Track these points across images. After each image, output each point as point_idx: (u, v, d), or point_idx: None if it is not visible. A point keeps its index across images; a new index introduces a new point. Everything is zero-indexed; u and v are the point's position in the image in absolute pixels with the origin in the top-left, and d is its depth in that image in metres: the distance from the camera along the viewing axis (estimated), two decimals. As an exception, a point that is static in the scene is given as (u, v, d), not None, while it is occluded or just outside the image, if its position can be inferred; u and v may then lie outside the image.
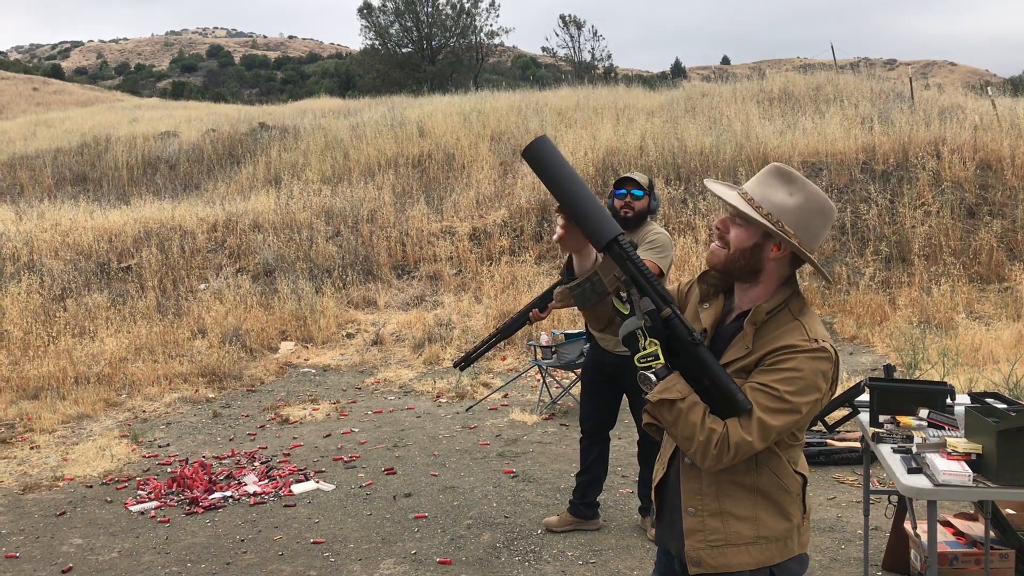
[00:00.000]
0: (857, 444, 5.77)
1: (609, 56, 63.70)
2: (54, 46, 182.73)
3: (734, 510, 1.97)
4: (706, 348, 1.97)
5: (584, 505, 4.82)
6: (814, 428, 4.53)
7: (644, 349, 1.95)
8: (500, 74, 62.87)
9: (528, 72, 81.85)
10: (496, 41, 56.47)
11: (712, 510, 1.99)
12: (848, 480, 5.53)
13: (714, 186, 2.08)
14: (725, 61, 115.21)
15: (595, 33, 63.68)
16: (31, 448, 6.95)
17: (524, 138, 15.84)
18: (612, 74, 58.09)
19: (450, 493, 5.51)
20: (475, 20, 53.96)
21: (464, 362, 2.50)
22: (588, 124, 15.60)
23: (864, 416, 3.69)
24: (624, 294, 2.01)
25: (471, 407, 7.44)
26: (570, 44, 64.10)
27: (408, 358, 9.16)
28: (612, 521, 4.96)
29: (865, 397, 3.71)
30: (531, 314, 2.78)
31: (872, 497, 4.75)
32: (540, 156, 2.04)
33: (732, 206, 1.97)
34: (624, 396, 4.73)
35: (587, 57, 63.44)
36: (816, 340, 1.91)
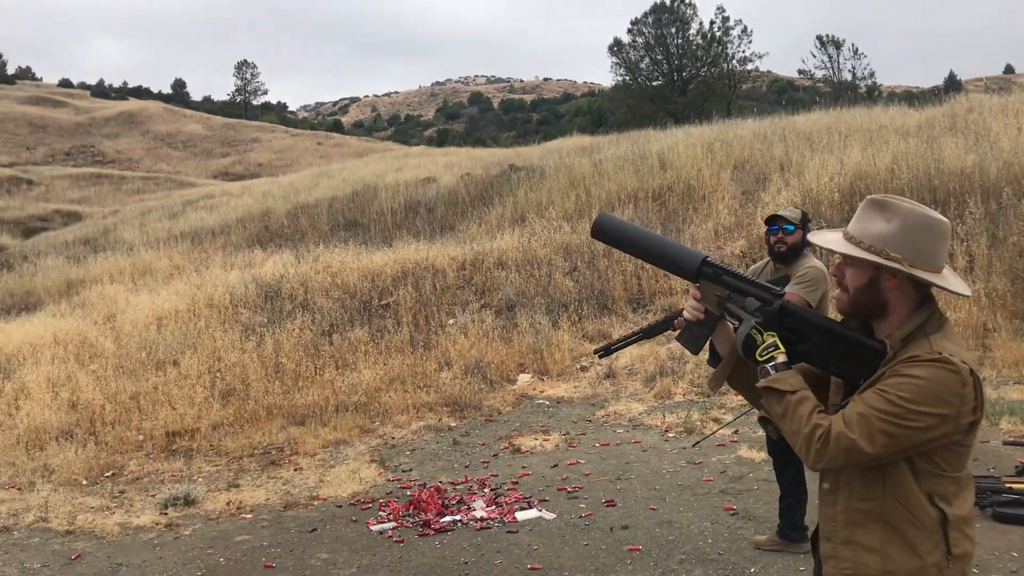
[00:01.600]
0: None
1: (872, 74, 60.59)
2: (335, 103, 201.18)
3: (863, 540, 1.94)
4: (831, 319, 2.04)
5: (790, 527, 4.84)
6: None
7: (763, 343, 1.99)
8: (755, 100, 61.44)
9: (784, 96, 79.36)
10: (749, 67, 55.50)
11: (843, 538, 1.98)
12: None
13: (816, 237, 2.12)
14: (1008, 70, 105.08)
15: (855, 51, 60.69)
16: (295, 470, 7.72)
17: (769, 165, 15.48)
18: (875, 93, 55.12)
19: (667, 527, 5.51)
20: (727, 48, 53.38)
21: (605, 352, 2.63)
22: (837, 148, 14.96)
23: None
24: (730, 309, 2.09)
25: (698, 442, 7.37)
26: (828, 65, 61.65)
27: (640, 391, 9.22)
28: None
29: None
30: (676, 322, 2.82)
31: None
32: (607, 230, 2.26)
33: (833, 250, 2.00)
34: None
35: (847, 76, 60.68)
36: (940, 352, 1.86)
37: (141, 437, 8.72)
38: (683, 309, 2.91)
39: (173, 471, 7.87)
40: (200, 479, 7.60)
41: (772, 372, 1.99)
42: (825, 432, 1.88)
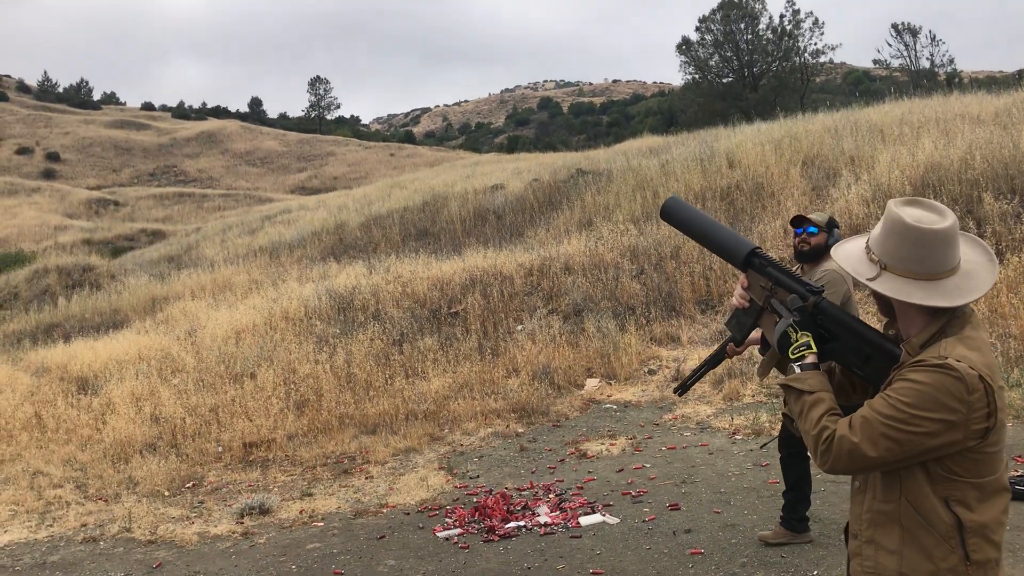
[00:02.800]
0: None
1: (951, 60, 58.67)
2: (407, 114, 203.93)
3: (883, 541, 1.95)
4: (860, 320, 2.07)
5: (796, 520, 5.05)
6: None
7: (796, 341, 2.05)
8: (830, 92, 60.16)
9: (860, 87, 77.47)
10: (822, 60, 54.32)
11: (867, 537, 2.00)
12: None
13: (839, 248, 2.13)
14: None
15: (933, 38, 59.02)
16: (366, 478, 7.88)
17: (839, 160, 15.18)
18: (956, 79, 53.46)
19: (730, 531, 5.48)
20: (798, 41, 52.38)
21: (683, 388, 2.71)
22: (909, 140, 14.58)
23: None
24: (772, 303, 2.15)
25: (766, 444, 7.27)
26: (905, 53, 59.96)
27: (708, 394, 9.15)
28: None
29: None
30: (728, 349, 2.84)
31: None
32: (673, 213, 2.38)
33: (832, 256, 2.06)
34: None
35: (925, 64, 58.94)
36: (945, 358, 1.84)
37: (220, 449, 9.02)
38: (732, 336, 2.95)
39: (250, 481, 8.12)
40: (275, 488, 7.82)
41: (797, 370, 2.04)
42: (831, 435, 1.90)
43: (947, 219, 1.95)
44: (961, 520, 1.87)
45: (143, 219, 47.06)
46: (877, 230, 2.01)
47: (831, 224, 4.83)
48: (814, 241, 4.78)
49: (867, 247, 2.02)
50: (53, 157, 70.22)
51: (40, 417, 10.20)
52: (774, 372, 2.30)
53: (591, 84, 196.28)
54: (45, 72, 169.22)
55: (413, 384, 10.38)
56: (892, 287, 1.94)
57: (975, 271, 1.98)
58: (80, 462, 8.89)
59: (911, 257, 1.94)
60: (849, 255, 2.05)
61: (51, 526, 7.20)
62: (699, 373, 2.79)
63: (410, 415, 9.48)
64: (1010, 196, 10.87)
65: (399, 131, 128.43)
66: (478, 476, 7.50)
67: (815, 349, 2.04)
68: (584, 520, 5.99)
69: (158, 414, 9.94)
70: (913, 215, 1.95)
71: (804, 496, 5.09)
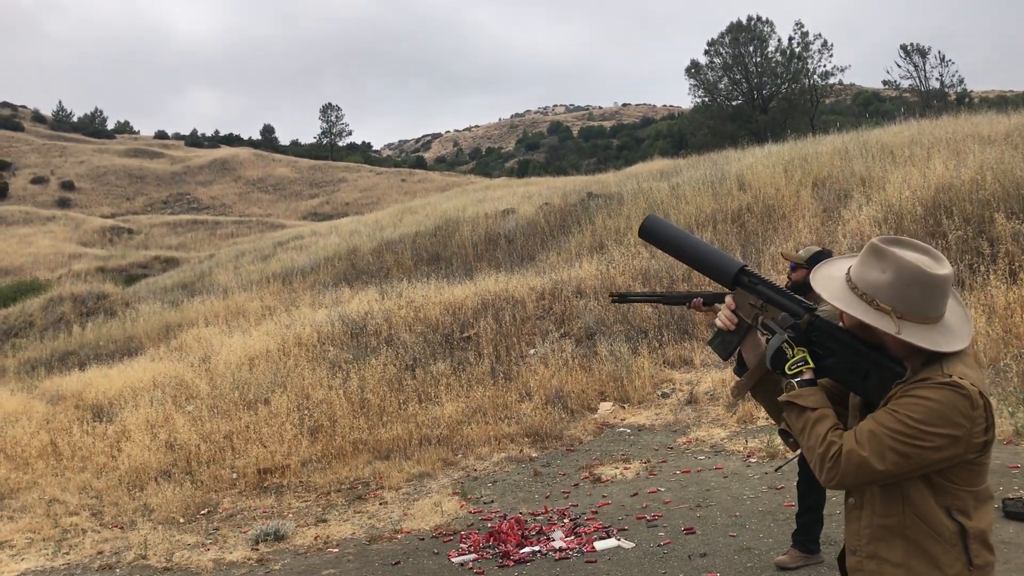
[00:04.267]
0: None
1: (961, 80, 58.63)
2: (417, 139, 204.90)
3: (886, 555, 1.97)
4: (857, 336, 2.04)
5: (809, 541, 5.13)
6: None
7: (793, 357, 2.05)
8: (840, 113, 60.18)
9: (871, 108, 77.55)
10: (832, 81, 54.44)
11: (868, 552, 2.01)
12: None
13: (822, 271, 2.14)
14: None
15: (942, 59, 58.91)
16: (380, 504, 7.88)
17: (850, 181, 15.19)
18: (966, 99, 53.44)
19: (745, 554, 5.46)
20: (807, 63, 52.53)
21: (621, 298, 2.66)
22: (920, 160, 14.59)
23: None
24: (763, 321, 2.13)
25: (780, 467, 7.22)
26: (914, 74, 59.99)
27: (722, 417, 9.13)
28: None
29: None
30: (693, 301, 2.74)
31: None
32: (653, 231, 2.31)
33: (825, 299, 2.04)
34: None
35: (935, 85, 58.96)
36: (950, 375, 1.89)
37: (234, 475, 9.04)
38: (708, 294, 2.92)
39: (264, 507, 8.13)
40: (290, 515, 7.83)
41: (796, 387, 2.04)
42: (838, 450, 1.92)
43: (941, 259, 2.00)
44: (964, 527, 1.93)
45: (157, 247, 47.39)
46: (879, 277, 1.98)
47: (815, 259, 4.84)
48: (795, 277, 4.90)
49: (865, 296, 1.99)
50: (68, 186, 70.91)
51: (56, 445, 10.25)
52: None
53: (601, 108, 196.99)
54: (60, 102, 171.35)
55: (426, 409, 10.39)
56: (919, 336, 1.95)
57: (950, 305, 2.04)
58: (96, 489, 8.93)
59: (930, 304, 1.97)
60: (864, 312, 2.00)
61: (67, 554, 7.22)
62: (648, 298, 2.77)
63: (423, 440, 9.49)
64: (1022, 216, 10.84)
65: (410, 156, 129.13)
66: (492, 501, 7.50)
67: (812, 365, 2.05)
68: (599, 545, 5.97)
69: (173, 441, 9.98)
70: (924, 262, 1.96)
71: (819, 518, 5.15)
